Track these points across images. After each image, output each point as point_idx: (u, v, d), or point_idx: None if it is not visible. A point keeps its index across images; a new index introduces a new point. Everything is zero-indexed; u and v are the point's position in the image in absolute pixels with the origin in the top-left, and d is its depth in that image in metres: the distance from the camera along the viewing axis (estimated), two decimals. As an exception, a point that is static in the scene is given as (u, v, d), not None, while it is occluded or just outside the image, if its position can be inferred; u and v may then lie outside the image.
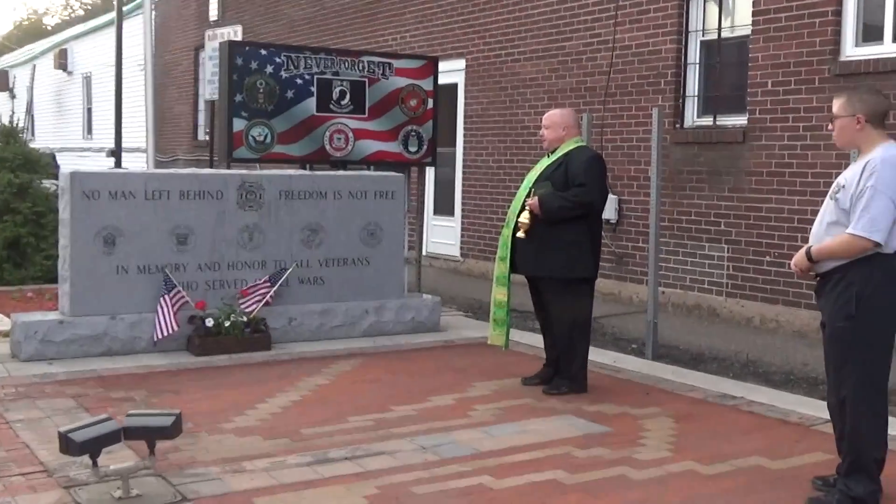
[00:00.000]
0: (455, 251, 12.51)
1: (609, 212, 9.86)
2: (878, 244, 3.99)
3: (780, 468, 4.71)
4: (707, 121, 9.45)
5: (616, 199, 10.00)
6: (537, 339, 7.36)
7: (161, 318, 6.78)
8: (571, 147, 6.03)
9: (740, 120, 9.09)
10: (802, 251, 4.20)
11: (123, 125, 14.62)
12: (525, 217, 5.88)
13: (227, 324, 6.95)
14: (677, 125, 9.56)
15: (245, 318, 7.04)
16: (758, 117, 8.78)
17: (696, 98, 9.57)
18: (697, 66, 9.57)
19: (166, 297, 6.81)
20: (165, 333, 6.78)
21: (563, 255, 5.86)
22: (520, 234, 5.91)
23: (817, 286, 4.23)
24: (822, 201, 4.24)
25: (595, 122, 9.70)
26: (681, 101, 9.60)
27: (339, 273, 7.68)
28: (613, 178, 9.82)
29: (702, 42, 9.57)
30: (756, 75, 8.81)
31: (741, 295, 8.90)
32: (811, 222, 4.29)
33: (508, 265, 6.06)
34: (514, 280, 6.17)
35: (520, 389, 6.14)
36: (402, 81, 8.46)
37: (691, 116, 9.57)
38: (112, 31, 17.51)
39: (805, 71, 8.40)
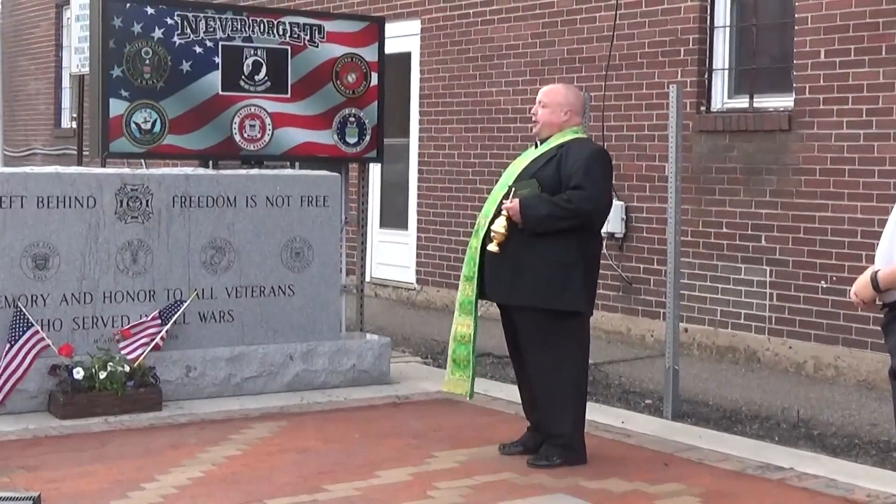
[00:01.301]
0: (409, 276, 12.52)
1: (614, 223, 9.93)
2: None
3: (841, 561, 4.76)
4: (741, 102, 9.56)
5: (622, 207, 10.08)
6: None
7: (6, 369, 6.73)
8: (568, 138, 6.05)
9: (785, 101, 9.21)
10: (866, 276, 4.23)
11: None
12: (500, 225, 5.89)
13: (102, 375, 6.90)
14: (702, 108, 9.66)
15: (127, 368, 7.00)
16: (808, 98, 8.90)
17: (726, 72, 9.68)
18: (728, 29, 9.69)
19: (14, 341, 6.76)
20: (8, 388, 6.73)
21: (546, 279, 5.88)
22: (492, 246, 5.91)
23: (884, 320, 4.26)
24: (894, 208, 4.29)
25: (594, 103, 9.78)
26: (707, 76, 9.71)
27: (253, 306, 7.66)
28: (619, 177, 9.89)
29: (734, -2, 9.71)
30: (805, 42, 8.94)
31: (789, 333, 8.99)
32: (879, 236, 4.35)
33: (476, 287, 6.07)
34: (486, 311, 6.18)
35: (497, 460, 6.15)
36: (336, 50, 8.48)
37: (720, 96, 9.68)
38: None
39: (868, 37, 8.53)
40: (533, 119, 6.16)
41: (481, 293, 6.08)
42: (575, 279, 5.90)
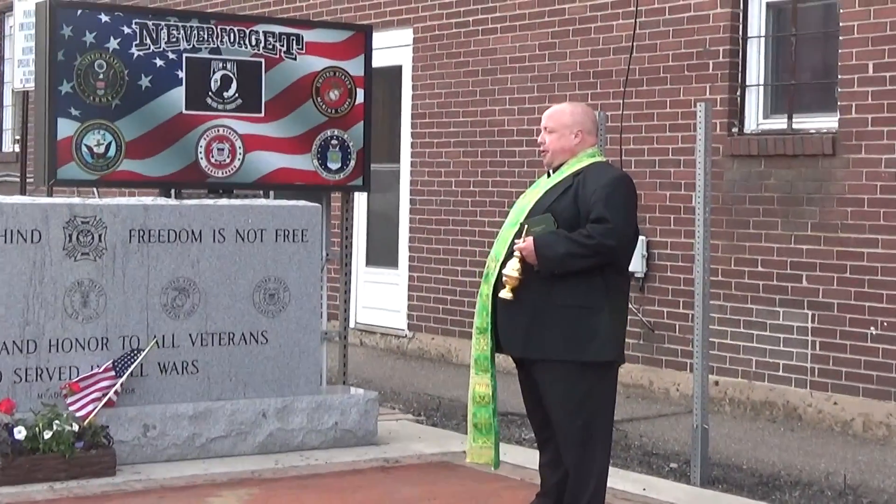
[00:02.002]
0: (400, 321, 12.48)
1: (634, 261, 9.83)
2: None
3: None
4: (779, 122, 9.57)
5: (644, 242, 10.08)
6: (526, 456, 7.33)
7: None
8: (585, 163, 6.05)
9: (828, 121, 9.22)
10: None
11: None
12: (513, 268, 5.87)
13: (47, 435, 6.86)
14: (734, 129, 9.67)
15: (76, 427, 6.96)
16: (854, 118, 8.92)
17: (761, 89, 9.70)
18: (764, 40, 9.71)
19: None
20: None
21: (569, 327, 5.87)
22: (504, 292, 5.89)
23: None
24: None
25: (610, 124, 9.80)
26: (739, 92, 9.72)
27: (221, 356, 7.63)
28: (640, 209, 9.71)
29: (769, 5, 9.72)
30: (850, 55, 8.96)
31: (833, 386, 8.97)
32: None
33: (492, 340, 6.06)
34: (501, 363, 6.15)
35: (500, 533, 6.13)
36: (317, 63, 8.49)
37: (755, 116, 9.69)
38: None
39: (924, 48, 8.57)
40: (541, 149, 6.17)
41: (496, 346, 6.07)
42: (602, 324, 5.88)
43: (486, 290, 6.04)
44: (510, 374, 6.26)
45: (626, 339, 9.94)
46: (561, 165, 6.08)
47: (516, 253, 5.86)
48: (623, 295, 6.07)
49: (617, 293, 5.99)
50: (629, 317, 9.88)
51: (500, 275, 5.93)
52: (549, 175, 6.14)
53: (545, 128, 6.13)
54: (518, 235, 5.91)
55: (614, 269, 5.95)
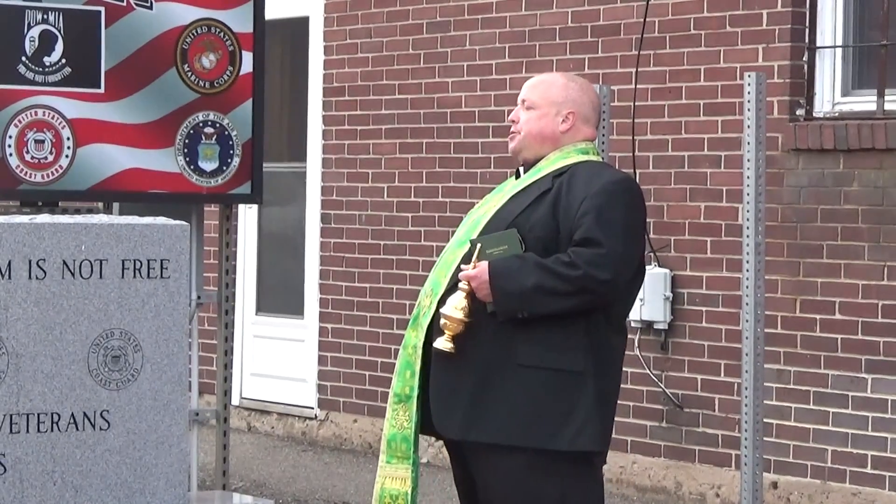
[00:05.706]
0: (307, 396, 12.47)
1: (652, 305, 9.95)
2: None
3: None
4: (864, 101, 9.62)
5: (666, 277, 10.13)
6: None
7: None
8: (571, 160, 6.06)
9: (936, 100, 9.33)
10: None
11: None
12: (456, 306, 5.82)
13: None
14: (799, 112, 9.72)
15: None
16: (974, 94, 9.03)
17: (839, 52, 9.77)
18: (841, -19, 9.82)
19: None
20: None
21: (535, 400, 5.86)
22: (442, 342, 5.83)
23: None
24: None
25: (616, 103, 9.83)
26: (807, 58, 9.78)
27: (40, 447, 7.61)
28: (658, 228, 9.94)
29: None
30: (968, 2, 9.07)
31: (946, 488, 9.05)
32: None
33: (417, 412, 6.09)
34: (432, 451, 6.18)
35: None
36: (183, 13, 8.48)
37: (830, 92, 9.75)
38: None
39: None
40: (511, 129, 6.18)
41: (424, 424, 6.07)
42: (583, 399, 5.87)
43: (413, 338, 5.99)
44: (443, 469, 6.30)
45: (642, 421, 10.05)
46: (536, 161, 6.06)
47: (462, 284, 5.82)
48: (617, 356, 6.04)
49: (607, 353, 5.96)
50: (645, 387, 9.96)
51: (437, 316, 5.91)
52: (517, 175, 6.14)
53: (523, 101, 6.06)
54: (467, 260, 5.92)
55: (606, 318, 5.94)
